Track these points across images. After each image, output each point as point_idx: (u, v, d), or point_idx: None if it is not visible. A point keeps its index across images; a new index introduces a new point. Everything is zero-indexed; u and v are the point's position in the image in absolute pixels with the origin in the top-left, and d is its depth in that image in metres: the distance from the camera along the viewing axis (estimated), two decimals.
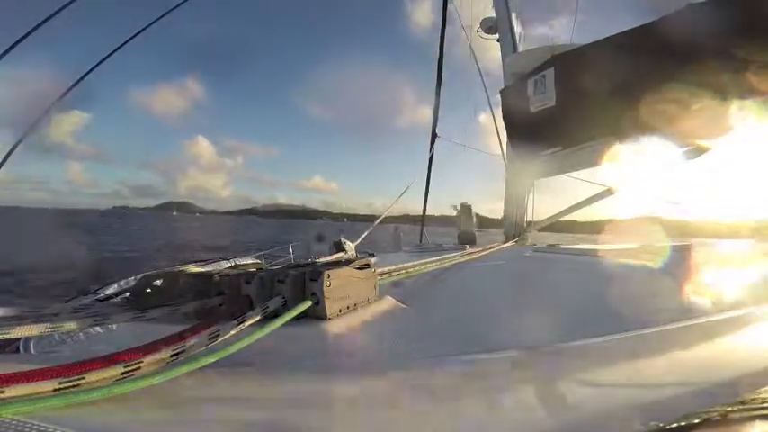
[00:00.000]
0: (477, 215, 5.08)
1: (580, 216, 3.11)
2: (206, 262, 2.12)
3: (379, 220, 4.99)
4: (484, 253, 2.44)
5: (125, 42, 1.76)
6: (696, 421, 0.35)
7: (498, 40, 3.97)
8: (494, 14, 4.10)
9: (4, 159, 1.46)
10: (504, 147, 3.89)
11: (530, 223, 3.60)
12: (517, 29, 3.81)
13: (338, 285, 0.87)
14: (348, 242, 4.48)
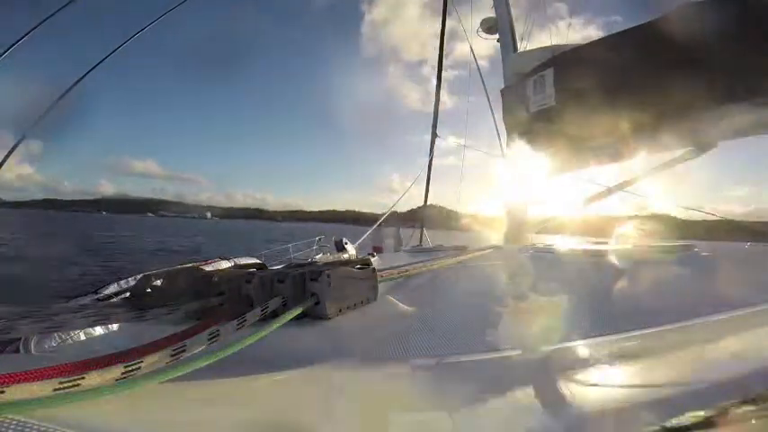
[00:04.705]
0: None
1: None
2: (206, 262, 2.12)
3: (378, 223, 4.97)
4: (483, 253, 2.44)
5: (124, 43, 1.77)
6: (697, 421, 0.35)
7: (498, 41, 3.97)
8: (494, 14, 4.10)
9: (5, 159, 1.46)
10: (504, 147, 3.89)
11: (529, 223, 3.59)
12: (518, 29, 3.81)
13: (338, 285, 0.87)
14: (349, 242, 4.49)
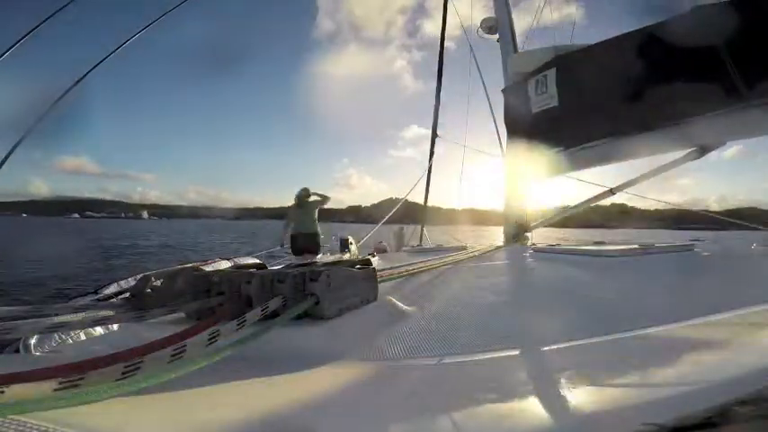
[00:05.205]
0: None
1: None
2: (206, 262, 2.13)
3: (381, 223, 4.96)
4: (484, 253, 2.45)
5: (124, 43, 1.77)
6: (697, 421, 0.34)
7: (498, 41, 3.97)
8: (494, 14, 4.09)
9: (5, 159, 1.46)
10: (505, 147, 3.89)
11: (529, 223, 3.60)
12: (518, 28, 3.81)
13: (338, 285, 0.87)
14: (353, 242, 4.50)
